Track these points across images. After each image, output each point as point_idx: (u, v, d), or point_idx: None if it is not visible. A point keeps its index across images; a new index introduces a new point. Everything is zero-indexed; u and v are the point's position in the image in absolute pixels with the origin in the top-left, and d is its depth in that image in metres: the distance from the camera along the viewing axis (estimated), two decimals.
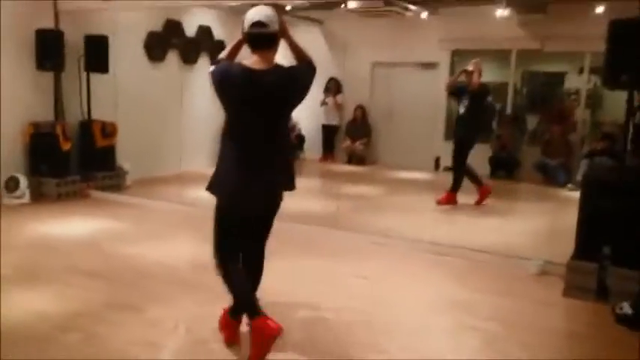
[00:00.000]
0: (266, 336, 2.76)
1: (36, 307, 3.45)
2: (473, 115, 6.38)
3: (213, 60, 3.03)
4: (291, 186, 3.04)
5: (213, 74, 2.85)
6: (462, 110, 6.44)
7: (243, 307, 2.97)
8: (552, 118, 8.65)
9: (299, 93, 2.91)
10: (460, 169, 6.45)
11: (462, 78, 6.50)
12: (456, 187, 6.49)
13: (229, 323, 3.10)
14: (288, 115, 3.02)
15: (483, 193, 6.57)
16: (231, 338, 3.09)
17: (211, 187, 2.92)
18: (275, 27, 2.81)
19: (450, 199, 6.49)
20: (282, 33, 2.87)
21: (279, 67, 2.87)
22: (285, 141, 3.09)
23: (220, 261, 3.00)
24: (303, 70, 2.94)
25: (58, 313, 3.39)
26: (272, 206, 3.02)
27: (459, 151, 6.44)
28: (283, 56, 2.94)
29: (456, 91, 6.58)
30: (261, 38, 2.81)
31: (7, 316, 3.31)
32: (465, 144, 6.42)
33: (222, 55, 2.99)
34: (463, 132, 6.43)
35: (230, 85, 2.81)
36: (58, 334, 3.12)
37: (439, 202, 6.46)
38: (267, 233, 3.12)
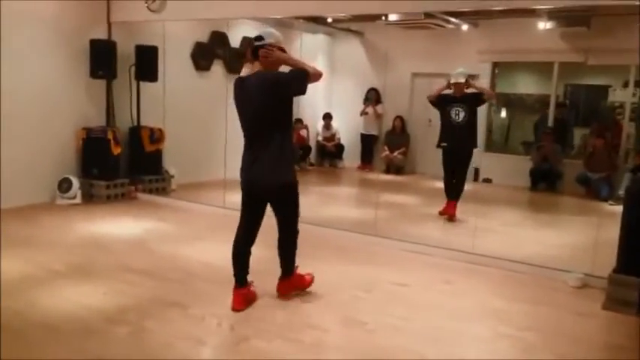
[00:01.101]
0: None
1: (87, 302, 3.65)
2: (474, 125, 6.39)
3: None
4: (288, 178, 3.56)
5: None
6: (458, 119, 6.34)
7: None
8: (597, 132, 8.53)
9: (278, 90, 3.41)
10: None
11: (449, 90, 6.45)
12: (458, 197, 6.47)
13: (236, 290, 3.67)
14: (280, 112, 3.48)
15: (450, 208, 6.50)
16: (237, 305, 3.61)
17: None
18: (270, 40, 3.46)
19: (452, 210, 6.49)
20: (280, 59, 3.49)
21: (262, 72, 3.47)
22: (282, 136, 3.50)
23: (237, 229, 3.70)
24: (290, 75, 3.48)
25: (109, 308, 3.57)
26: (273, 184, 3.52)
27: (467, 160, 6.44)
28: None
29: (438, 101, 6.50)
30: (256, 49, 3.47)
31: (60, 309, 3.52)
32: (471, 154, 6.44)
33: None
34: (470, 141, 6.42)
35: (234, 94, 3.56)
36: (108, 326, 3.30)
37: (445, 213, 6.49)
38: (285, 211, 3.66)
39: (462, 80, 6.36)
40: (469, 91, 6.41)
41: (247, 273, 3.69)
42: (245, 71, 3.57)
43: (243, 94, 3.50)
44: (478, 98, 6.41)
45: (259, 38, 3.49)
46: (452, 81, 6.39)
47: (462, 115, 6.36)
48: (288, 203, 3.66)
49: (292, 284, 3.85)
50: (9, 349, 2.96)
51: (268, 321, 3.48)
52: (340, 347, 3.17)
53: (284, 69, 3.58)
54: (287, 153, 3.54)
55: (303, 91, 3.48)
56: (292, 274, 3.83)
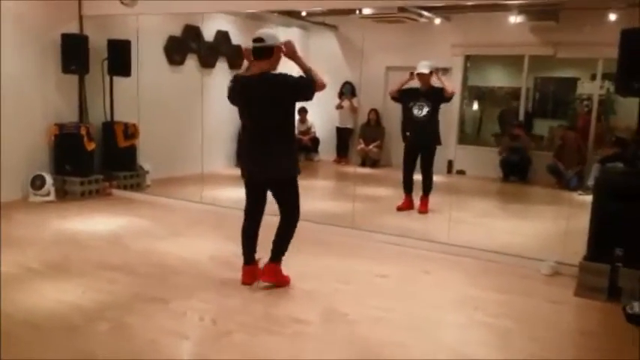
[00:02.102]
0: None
1: (67, 299, 3.62)
2: (436, 121, 6.38)
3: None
4: (294, 170, 3.82)
5: (228, 88, 3.82)
6: (421, 114, 6.30)
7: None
8: (566, 125, 8.76)
9: (286, 95, 3.66)
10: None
11: (414, 84, 6.42)
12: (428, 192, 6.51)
13: (245, 267, 3.97)
14: (284, 113, 3.71)
15: (409, 203, 6.59)
16: (245, 279, 3.94)
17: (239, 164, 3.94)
18: (270, 42, 3.65)
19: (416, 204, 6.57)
20: (292, 56, 3.73)
21: (269, 73, 3.66)
22: (285, 133, 3.76)
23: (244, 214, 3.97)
24: (296, 81, 3.65)
25: (88, 305, 3.54)
26: (274, 177, 3.78)
27: (432, 155, 6.41)
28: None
29: (400, 96, 6.47)
30: (258, 51, 3.65)
31: (40, 307, 3.49)
32: (433, 150, 6.41)
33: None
34: (434, 137, 6.40)
35: (235, 91, 3.77)
36: (89, 324, 3.28)
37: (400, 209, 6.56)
38: (287, 197, 3.86)
39: (426, 71, 6.29)
40: (435, 84, 6.36)
41: (255, 252, 3.96)
42: (247, 70, 3.79)
43: (248, 92, 3.69)
44: (441, 95, 6.30)
45: (259, 40, 3.65)
46: (416, 72, 6.34)
47: (424, 110, 6.31)
48: (290, 194, 3.87)
49: (273, 274, 3.88)
50: None
51: (250, 314, 3.50)
52: (322, 338, 3.21)
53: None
54: (290, 148, 3.81)
55: (309, 99, 3.78)
56: (276, 262, 3.88)
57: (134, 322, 3.31)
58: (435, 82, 6.40)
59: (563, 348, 3.28)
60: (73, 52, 6.63)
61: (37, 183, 6.40)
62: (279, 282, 3.91)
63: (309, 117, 10.49)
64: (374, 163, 9.76)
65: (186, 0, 6.18)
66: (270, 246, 3.89)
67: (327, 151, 10.31)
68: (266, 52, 3.66)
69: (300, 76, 3.69)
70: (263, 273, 3.90)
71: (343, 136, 10.24)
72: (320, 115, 10.48)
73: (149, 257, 4.57)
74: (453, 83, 6.48)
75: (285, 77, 3.66)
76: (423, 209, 6.50)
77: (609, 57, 5.35)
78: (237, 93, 3.76)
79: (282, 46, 3.72)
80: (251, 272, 3.94)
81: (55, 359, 2.87)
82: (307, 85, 3.69)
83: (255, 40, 3.68)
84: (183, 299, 3.68)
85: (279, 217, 3.92)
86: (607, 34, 5.19)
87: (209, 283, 4.02)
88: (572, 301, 3.98)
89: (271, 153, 3.72)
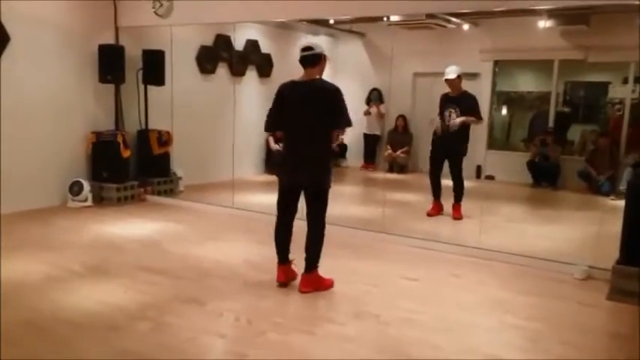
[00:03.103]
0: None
1: (108, 299, 3.76)
2: (466, 129, 6.40)
3: None
4: (325, 182, 3.94)
5: (277, 91, 4.00)
6: (451, 121, 6.33)
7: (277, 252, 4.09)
8: (600, 130, 8.68)
9: (329, 103, 3.83)
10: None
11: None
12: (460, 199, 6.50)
13: (279, 266, 4.08)
14: (324, 121, 3.85)
15: (438, 208, 6.61)
16: (280, 278, 4.06)
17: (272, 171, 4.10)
18: (318, 50, 3.87)
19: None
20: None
21: (321, 79, 3.90)
22: (325, 142, 3.94)
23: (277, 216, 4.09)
24: (342, 104, 3.86)
25: (129, 305, 3.68)
26: (308, 184, 3.92)
27: (460, 162, 6.44)
28: None
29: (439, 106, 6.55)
30: (306, 59, 3.87)
31: (83, 307, 3.64)
32: (462, 155, 6.44)
33: None
34: (461, 144, 6.42)
35: (285, 92, 3.94)
36: (130, 323, 3.41)
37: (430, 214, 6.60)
38: (316, 205, 3.97)
39: (453, 76, 6.33)
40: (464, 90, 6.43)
41: (288, 252, 4.07)
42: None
43: (298, 94, 3.90)
44: (472, 103, 6.38)
45: (309, 48, 3.89)
46: (444, 78, 6.40)
47: (454, 116, 6.35)
48: (321, 203, 4.00)
49: (312, 282, 3.98)
50: (36, 347, 3.08)
51: (283, 315, 3.60)
52: (356, 339, 3.28)
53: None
54: (328, 159, 4.01)
55: (338, 125, 3.97)
56: (312, 271, 3.98)
57: (174, 321, 3.43)
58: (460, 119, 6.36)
59: (594, 351, 3.28)
60: (110, 63, 6.85)
61: (75, 189, 6.62)
62: (318, 289, 3.99)
63: None
64: (401, 169, 9.80)
65: (217, 10, 6.35)
66: (303, 252, 3.98)
67: (354, 157, 10.39)
68: (315, 59, 3.87)
69: (346, 107, 3.89)
70: (301, 283, 3.99)
71: (371, 142, 10.31)
72: None
73: (185, 260, 4.71)
74: (479, 102, 6.56)
75: (336, 89, 3.87)
76: (457, 215, 6.48)
77: None
78: (287, 94, 3.91)
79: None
80: (285, 271, 4.06)
81: (101, 358, 3.00)
82: (346, 115, 3.89)
83: (304, 49, 3.89)
84: (220, 300, 3.79)
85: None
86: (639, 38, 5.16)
87: (243, 285, 4.13)
88: (604, 305, 3.97)
89: (311, 160, 3.87)
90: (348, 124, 3.94)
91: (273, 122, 4.03)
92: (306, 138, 3.88)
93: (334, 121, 3.89)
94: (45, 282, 4.08)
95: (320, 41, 10.18)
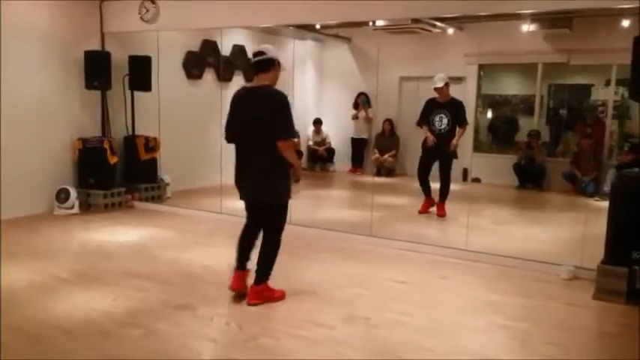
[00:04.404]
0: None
1: (98, 306, 3.74)
2: (455, 133, 6.64)
3: None
4: (273, 197, 3.73)
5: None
6: (441, 126, 6.58)
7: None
8: (582, 132, 8.79)
9: (272, 114, 3.60)
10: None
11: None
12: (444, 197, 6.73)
13: (236, 273, 3.92)
14: (271, 131, 3.59)
15: (427, 206, 6.84)
16: (233, 285, 3.90)
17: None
18: (271, 55, 3.69)
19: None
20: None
21: (269, 87, 3.69)
22: (270, 156, 3.64)
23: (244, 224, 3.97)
24: (286, 110, 3.63)
25: (119, 312, 3.67)
26: (254, 199, 3.80)
27: (450, 164, 6.66)
28: None
29: (424, 113, 6.77)
30: (258, 64, 3.70)
31: (72, 314, 3.62)
32: (450, 161, 6.66)
33: None
34: (452, 149, 6.63)
35: (234, 100, 3.80)
36: (121, 329, 3.40)
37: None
38: (267, 220, 3.82)
39: (441, 84, 6.57)
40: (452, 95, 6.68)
41: (247, 260, 3.92)
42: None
43: (246, 101, 3.73)
44: (460, 109, 6.63)
45: (260, 53, 3.71)
46: (433, 87, 6.63)
47: (444, 121, 6.60)
48: (277, 218, 3.83)
49: (260, 294, 3.81)
50: (27, 354, 3.06)
51: (274, 319, 3.61)
52: (346, 342, 3.29)
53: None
54: (284, 170, 3.72)
55: (279, 134, 3.62)
56: (260, 283, 3.81)
57: (164, 327, 3.43)
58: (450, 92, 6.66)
59: (581, 350, 3.33)
60: (96, 69, 6.82)
61: (62, 196, 6.58)
62: (267, 301, 3.82)
63: (324, 128, 10.63)
64: (389, 173, 9.85)
65: (204, 16, 6.35)
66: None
67: (342, 161, 10.43)
68: (267, 64, 3.70)
69: (289, 117, 3.65)
70: (249, 296, 3.82)
71: (358, 146, 10.36)
72: (335, 125, 10.62)
73: (174, 266, 4.70)
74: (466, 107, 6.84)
75: (283, 97, 3.66)
76: (441, 213, 6.71)
77: (623, 63, 5.40)
78: (235, 103, 3.76)
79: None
80: (240, 278, 3.89)
81: None
82: (286, 125, 3.62)
83: (256, 54, 3.72)
84: (210, 305, 3.79)
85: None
86: (621, 40, 5.25)
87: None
88: (590, 305, 4.03)
89: (258, 174, 3.67)
90: (288, 134, 3.64)
91: (227, 132, 3.81)
92: (253, 149, 3.67)
93: (274, 130, 3.60)
94: (34, 290, 4.06)
95: (306, 46, 10.34)
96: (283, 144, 3.62)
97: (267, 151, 3.62)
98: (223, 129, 3.83)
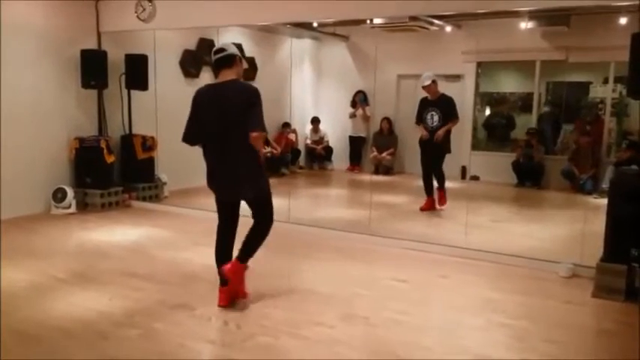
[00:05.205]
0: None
1: (95, 306, 3.72)
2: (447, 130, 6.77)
3: None
4: (265, 188, 3.73)
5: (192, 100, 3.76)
6: (432, 123, 6.73)
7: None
8: (581, 129, 8.79)
9: (243, 107, 3.51)
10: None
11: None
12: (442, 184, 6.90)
13: (221, 289, 3.78)
14: (244, 125, 3.51)
15: (430, 203, 6.92)
16: (224, 302, 3.75)
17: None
18: (231, 51, 3.66)
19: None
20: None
21: (237, 80, 3.64)
22: (244, 152, 3.57)
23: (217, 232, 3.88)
24: (256, 102, 3.53)
25: (116, 312, 3.65)
26: (238, 197, 3.74)
27: (442, 158, 6.81)
28: None
29: (419, 112, 6.92)
30: (220, 60, 3.65)
31: (70, 314, 3.60)
32: (442, 155, 6.80)
33: None
34: (444, 144, 6.75)
35: (196, 100, 3.72)
36: (118, 329, 3.38)
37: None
38: (261, 212, 3.75)
39: (428, 82, 6.70)
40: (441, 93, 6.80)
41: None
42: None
43: (213, 98, 3.63)
44: (450, 105, 6.75)
45: (221, 50, 3.69)
46: (421, 85, 6.77)
47: (435, 118, 6.73)
48: (265, 207, 3.78)
49: (237, 273, 3.73)
50: (26, 355, 3.04)
51: (272, 319, 3.58)
52: (345, 341, 3.28)
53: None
54: (258, 163, 3.67)
55: (253, 125, 3.52)
56: (242, 263, 3.74)
57: (162, 327, 3.41)
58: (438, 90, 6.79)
59: (581, 348, 3.32)
60: (92, 68, 6.79)
61: (59, 196, 6.55)
62: (234, 284, 3.72)
63: (322, 126, 10.60)
64: (387, 171, 9.83)
65: (200, 14, 6.32)
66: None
67: (340, 159, 10.41)
68: (229, 60, 3.65)
69: (259, 109, 3.55)
70: (230, 267, 3.70)
71: (356, 144, 10.33)
72: (333, 124, 10.59)
73: (171, 265, 4.68)
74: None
75: (254, 89, 3.60)
76: (443, 203, 6.86)
77: (621, 60, 5.40)
78: (201, 100, 3.66)
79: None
80: (227, 293, 3.76)
81: None
82: (257, 118, 3.52)
83: (216, 52, 3.69)
84: (208, 305, 3.77)
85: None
86: (618, 38, 5.25)
87: None
88: (589, 302, 4.02)
89: (239, 170, 3.61)
90: (258, 127, 3.50)
91: (190, 133, 3.71)
92: (226, 145, 3.59)
93: (249, 121, 3.50)
94: (32, 290, 4.04)
95: (304, 44, 10.31)
96: (257, 135, 3.51)
97: (242, 145, 3.54)
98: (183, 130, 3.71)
